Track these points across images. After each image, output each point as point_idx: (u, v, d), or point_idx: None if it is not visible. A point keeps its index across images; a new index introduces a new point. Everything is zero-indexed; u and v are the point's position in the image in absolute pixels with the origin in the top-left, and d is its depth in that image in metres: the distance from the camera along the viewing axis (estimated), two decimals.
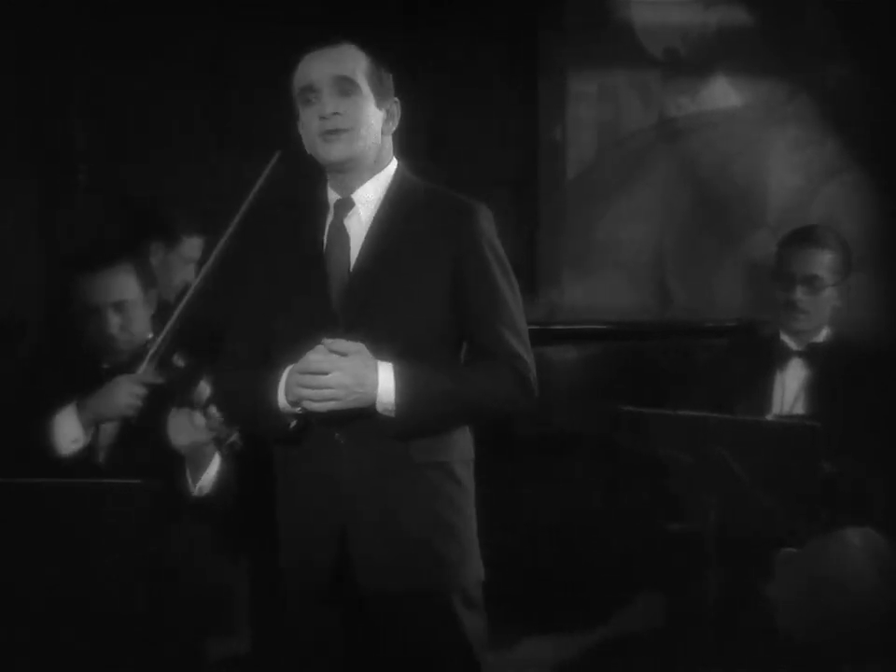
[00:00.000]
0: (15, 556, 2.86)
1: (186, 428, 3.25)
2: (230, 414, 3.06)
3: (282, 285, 2.78)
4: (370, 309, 2.70)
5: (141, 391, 3.38)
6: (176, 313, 3.38)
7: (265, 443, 2.87)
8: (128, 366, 3.48)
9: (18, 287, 4.45)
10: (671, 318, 5.01)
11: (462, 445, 2.77)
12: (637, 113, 4.98)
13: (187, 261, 4.18)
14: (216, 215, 4.48)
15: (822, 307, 3.94)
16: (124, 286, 3.52)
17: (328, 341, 2.61)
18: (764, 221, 5.00)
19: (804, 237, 4.01)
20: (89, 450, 3.42)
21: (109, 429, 3.47)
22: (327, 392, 2.60)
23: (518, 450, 4.07)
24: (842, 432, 3.65)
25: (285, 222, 2.87)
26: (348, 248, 2.75)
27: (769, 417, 3.87)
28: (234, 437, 3.14)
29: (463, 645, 2.72)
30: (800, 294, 3.92)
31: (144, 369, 3.39)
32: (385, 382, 2.62)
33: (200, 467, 3.31)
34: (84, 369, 3.55)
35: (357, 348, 2.63)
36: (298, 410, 2.66)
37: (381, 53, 2.78)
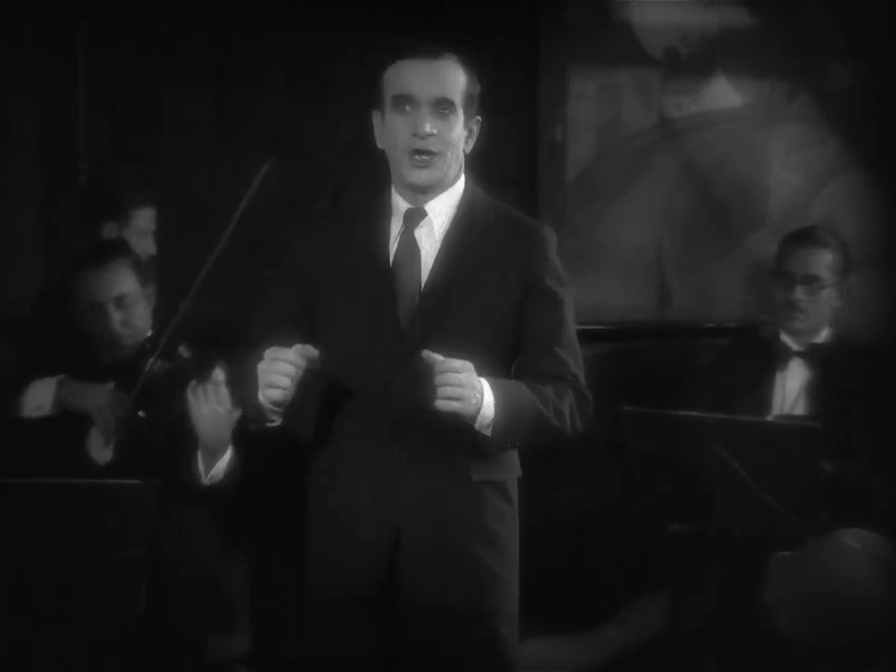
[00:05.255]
0: (15, 556, 2.86)
1: (210, 399, 3.18)
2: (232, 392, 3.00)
3: (343, 290, 2.74)
4: (439, 328, 2.67)
5: (119, 413, 3.39)
6: (181, 311, 3.39)
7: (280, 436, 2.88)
8: (129, 362, 3.50)
9: (17, 287, 4.45)
10: (671, 318, 5.01)
11: (515, 463, 2.78)
12: (638, 113, 4.98)
13: (142, 234, 4.18)
14: (161, 184, 4.51)
15: (822, 307, 3.94)
16: (123, 280, 3.56)
17: (437, 356, 2.53)
18: (764, 221, 4.99)
19: (804, 237, 4.01)
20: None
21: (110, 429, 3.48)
22: (458, 391, 2.52)
23: (519, 451, 4.06)
24: (842, 433, 3.65)
25: (347, 222, 2.82)
26: (419, 263, 2.71)
27: (769, 418, 3.87)
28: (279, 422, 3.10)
29: (500, 662, 2.73)
30: (800, 294, 3.92)
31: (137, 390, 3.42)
32: (487, 397, 2.58)
33: (215, 453, 3.23)
34: (83, 364, 3.57)
35: (468, 365, 2.56)
36: (278, 409, 2.65)
37: (476, 68, 2.75)
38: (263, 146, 4.76)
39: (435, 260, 2.71)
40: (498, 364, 2.70)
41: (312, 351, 2.59)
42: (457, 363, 2.53)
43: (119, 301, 3.54)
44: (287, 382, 2.58)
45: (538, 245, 2.74)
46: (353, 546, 2.72)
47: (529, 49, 4.87)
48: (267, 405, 2.64)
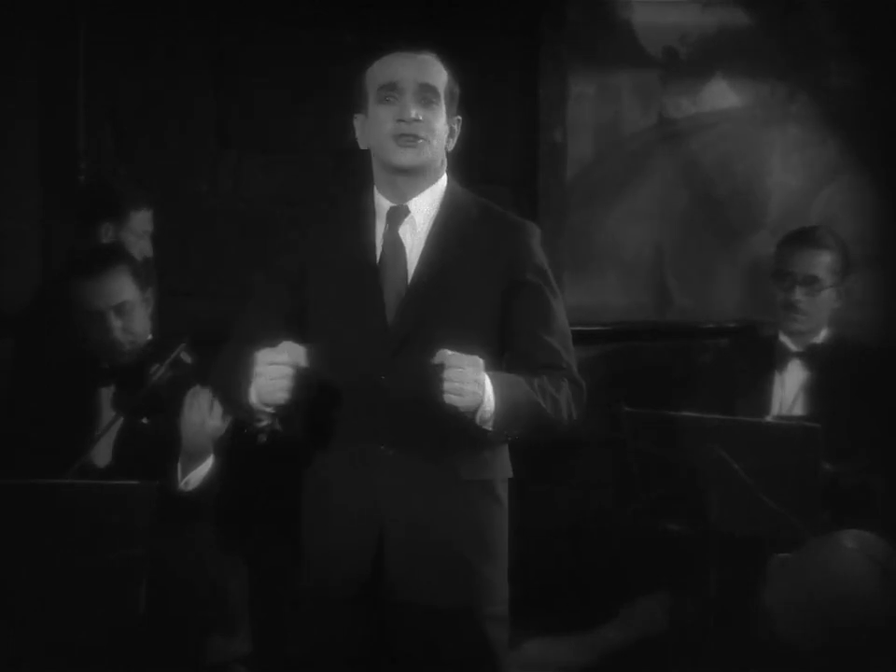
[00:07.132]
0: (15, 556, 2.86)
1: (203, 408, 3.21)
2: (213, 390, 3.02)
3: (331, 291, 2.75)
4: (426, 323, 2.69)
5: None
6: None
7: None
8: (130, 366, 3.50)
9: (17, 286, 4.45)
10: (671, 319, 5.01)
11: (504, 463, 2.78)
12: (637, 114, 4.98)
13: (139, 236, 4.19)
14: (160, 185, 4.52)
15: (822, 308, 3.95)
16: (123, 287, 3.54)
17: (448, 352, 2.54)
18: (764, 222, 4.99)
19: (803, 238, 4.02)
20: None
21: (109, 429, 3.48)
22: (458, 386, 2.52)
23: (519, 451, 4.07)
24: (841, 433, 3.65)
25: (333, 223, 2.82)
26: (404, 260, 2.73)
27: (769, 418, 3.87)
28: (274, 423, 3.11)
29: (487, 662, 2.73)
30: (799, 295, 3.93)
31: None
32: (488, 392, 2.57)
33: (194, 460, 3.27)
34: (82, 367, 3.57)
35: (476, 360, 2.56)
36: (269, 409, 2.62)
37: (456, 69, 2.78)
38: (263, 146, 4.77)
39: (420, 257, 2.72)
40: (488, 358, 2.68)
41: (299, 349, 2.57)
42: (464, 358, 2.53)
43: (120, 309, 3.52)
44: (286, 384, 2.56)
45: (521, 241, 2.75)
46: (340, 544, 2.73)
47: (529, 48, 4.87)
48: (260, 407, 2.61)
